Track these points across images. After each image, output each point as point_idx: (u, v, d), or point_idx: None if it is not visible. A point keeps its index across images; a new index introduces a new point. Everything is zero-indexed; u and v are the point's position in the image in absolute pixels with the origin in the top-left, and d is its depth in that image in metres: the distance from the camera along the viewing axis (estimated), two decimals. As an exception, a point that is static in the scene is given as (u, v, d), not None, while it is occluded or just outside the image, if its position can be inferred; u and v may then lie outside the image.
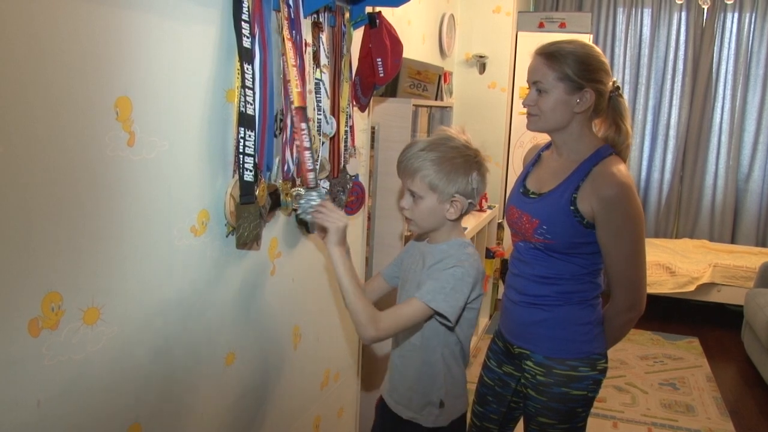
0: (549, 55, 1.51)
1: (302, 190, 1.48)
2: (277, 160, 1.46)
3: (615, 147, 1.56)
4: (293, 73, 1.40)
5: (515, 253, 1.65)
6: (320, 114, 1.60)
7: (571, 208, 1.49)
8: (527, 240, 1.58)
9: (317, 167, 1.53)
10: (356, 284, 1.37)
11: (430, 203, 1.42)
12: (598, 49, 1.56)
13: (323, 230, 1.42)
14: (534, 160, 1.69)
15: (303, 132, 1.43)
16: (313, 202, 1.40)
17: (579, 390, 1.55)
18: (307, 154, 1.45)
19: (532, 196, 1.60)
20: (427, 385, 1.50)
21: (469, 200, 1.44)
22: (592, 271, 1.56)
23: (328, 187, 1.70)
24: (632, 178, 1.53)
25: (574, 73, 1.49)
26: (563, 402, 1.56)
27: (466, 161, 1.41)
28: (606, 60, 1.56)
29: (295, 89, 1.41)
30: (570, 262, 1.54)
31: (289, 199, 1.51)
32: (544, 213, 1.53)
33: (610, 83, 1.55)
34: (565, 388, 1.55)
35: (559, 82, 1.50)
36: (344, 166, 1.78)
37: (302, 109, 1.42)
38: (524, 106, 1.58)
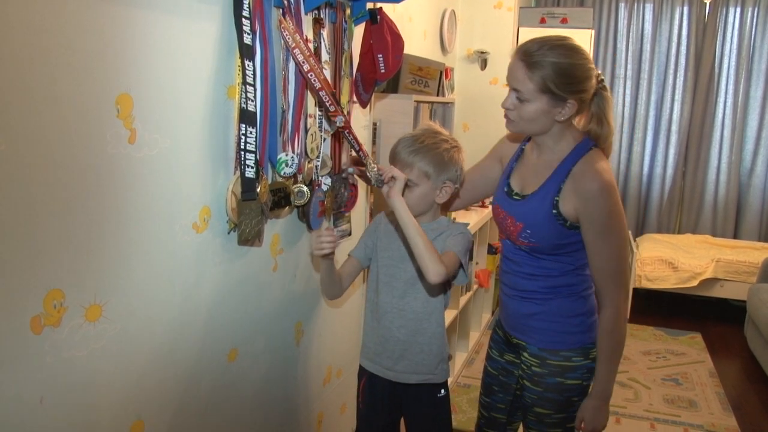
0: (531, 64, 1.41)
1: (350, 170, 1.71)
2: (282, 157, 1.46)
3: (597, 141, 1.52)
4: (312, 63, 1.42)
5: (503, 250, 1.66)
6: (321, 111, 1.60)
7: (554, 211, 1.48)
8: (512, 241, 1.58)
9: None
10: (420, 228, 1.46)
11: (424, 189, 1.57)
12: (584, 52, 1.45)
13: (388, 183, 1.49)
14: (517, 155, 1.66)
15: (341, 113, 1.47)
16: (375, 169, 1.51)
17: (573, 379, 1.57)
18: (355, 132, 1.52)
19: (515, 197, 1.58)
20: (440, 345, 1.67)
21: (456, 185, 1.61)
22: (580, 266, 1.55)
23: (330, 184, 1.70)
24: (613, 174, 1.50)
25: (557, 87, 1.41)
26: (559, 392, 1.57)
27: (453, 152, 1.59)
28: (591, 62, 1.46)
29: (321, 76, 1.44)
30: (556, 260, 1.54)
31: (293, 195, 1.52)
32: (528, 218, 1.52)
33: (594, 81, 1.47)
34: (560, 378, 1.57)
35: (541, 94, 1.42)
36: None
37: (333, 94, 1.48)
38: (503, 108, 1.50)
